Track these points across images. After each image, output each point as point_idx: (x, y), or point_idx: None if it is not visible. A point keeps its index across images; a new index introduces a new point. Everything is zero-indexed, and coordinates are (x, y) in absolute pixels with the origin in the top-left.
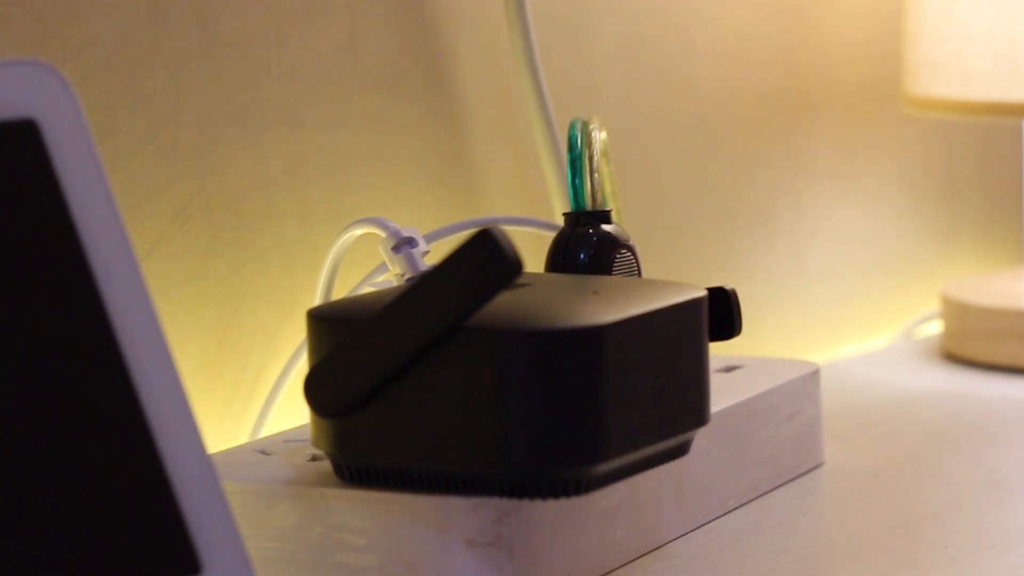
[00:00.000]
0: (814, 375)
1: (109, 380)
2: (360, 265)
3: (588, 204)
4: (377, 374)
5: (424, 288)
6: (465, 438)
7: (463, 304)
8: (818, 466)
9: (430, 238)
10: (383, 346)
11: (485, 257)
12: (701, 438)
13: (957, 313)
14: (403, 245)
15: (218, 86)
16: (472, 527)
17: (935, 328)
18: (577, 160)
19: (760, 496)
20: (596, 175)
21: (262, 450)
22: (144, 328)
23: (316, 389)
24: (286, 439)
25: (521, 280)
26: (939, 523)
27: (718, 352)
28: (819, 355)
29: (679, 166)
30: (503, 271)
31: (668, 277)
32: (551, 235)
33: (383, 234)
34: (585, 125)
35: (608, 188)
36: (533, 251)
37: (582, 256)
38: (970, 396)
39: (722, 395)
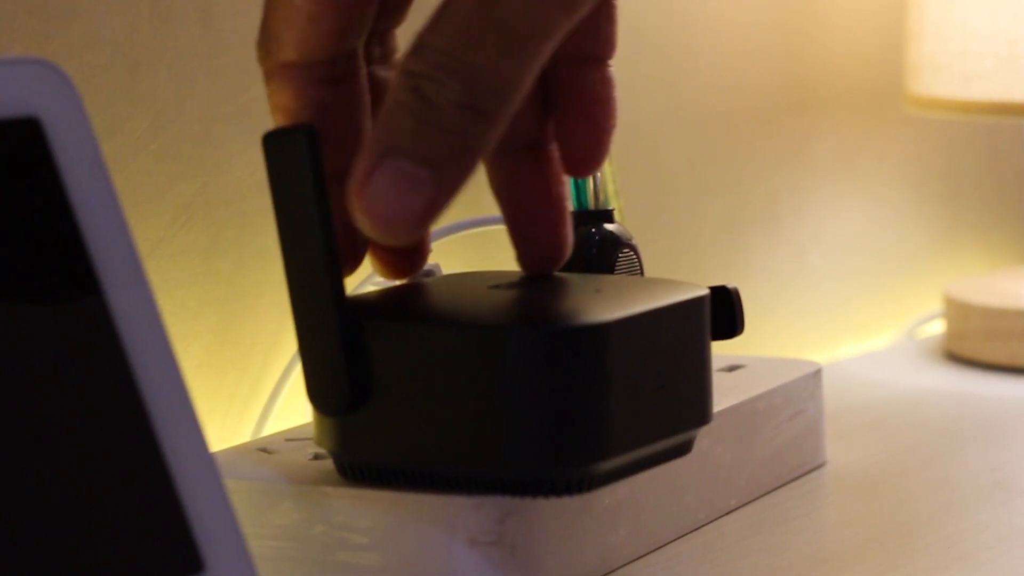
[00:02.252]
0: (816, 375)
1: (111, 378)
2: (361, 265)
3: (591, 203)
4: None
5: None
6: (467, 436)
7: (308, 196)
8: (820, 466)
9: (431, 237)
10: None
11: (286, 157)
12: (703, 437)
13: (959, 313)
14: None
15: (220, 85)
16: (474, 526)
17: (937, 328)
18: None
19: (762, 496)
20: (598, 174)
21: (264, 449)
22: (146, 327)
23: (318, 387)
24: (288, 438)
25: (523, 279)
26: (940, 523)
27: (720, 351)
28: (821, 355)
29: (681, 165)
30: (298, 141)
31: (671, 276)
32: None
33: None
34: None
35: (610, 187)
36: None
37: (585, 255)
38: (972, 396)
39: (724, 394)
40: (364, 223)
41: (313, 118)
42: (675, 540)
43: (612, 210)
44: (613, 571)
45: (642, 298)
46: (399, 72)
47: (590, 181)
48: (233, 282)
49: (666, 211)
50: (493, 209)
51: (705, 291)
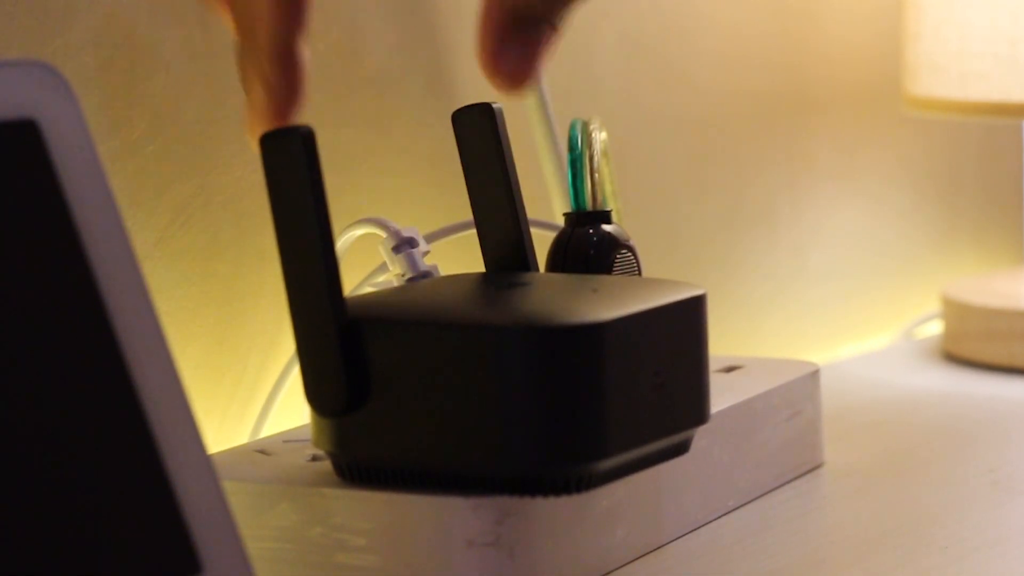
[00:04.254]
0: (814, 375)
1: (109, 380)
2: (360, 265)
3: (588, 204)
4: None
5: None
6: (465, 436)
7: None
8: (818, 466)
9: (430, 238)
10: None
11: (282, 158)
12: (701, 438)
13: (957, 313)
14: (403, 245)
15: (218, 86)
16: (472, 527)
17: (935, 328)
18: (577, 160)
19: (760, 496)
20: (596, 175)
21: (262, 450)
22: (144, 328)
23: (316, 388)
24: (286, 439)
25: (521, 279)
26: (939, 523)
27: (718, 352)
28: (819, 355)
29: (679, 166)
30: (295, 142)
31: (668, 277)
32: (551, 235)
33: (383, 234)
34: (585, 125)
35: (608, 188)
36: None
37: (582, 256)
38: (970, 396)
39: (722, 395)
40: (498, 84)
41: None
42: (673, 541)
43: (610, 211)
44: (611, 572)
45: (639, 297)
46: None
47: (588, 182)
48: (231, 283)
49: (664, 212)
50: None
51: (702, 291)
